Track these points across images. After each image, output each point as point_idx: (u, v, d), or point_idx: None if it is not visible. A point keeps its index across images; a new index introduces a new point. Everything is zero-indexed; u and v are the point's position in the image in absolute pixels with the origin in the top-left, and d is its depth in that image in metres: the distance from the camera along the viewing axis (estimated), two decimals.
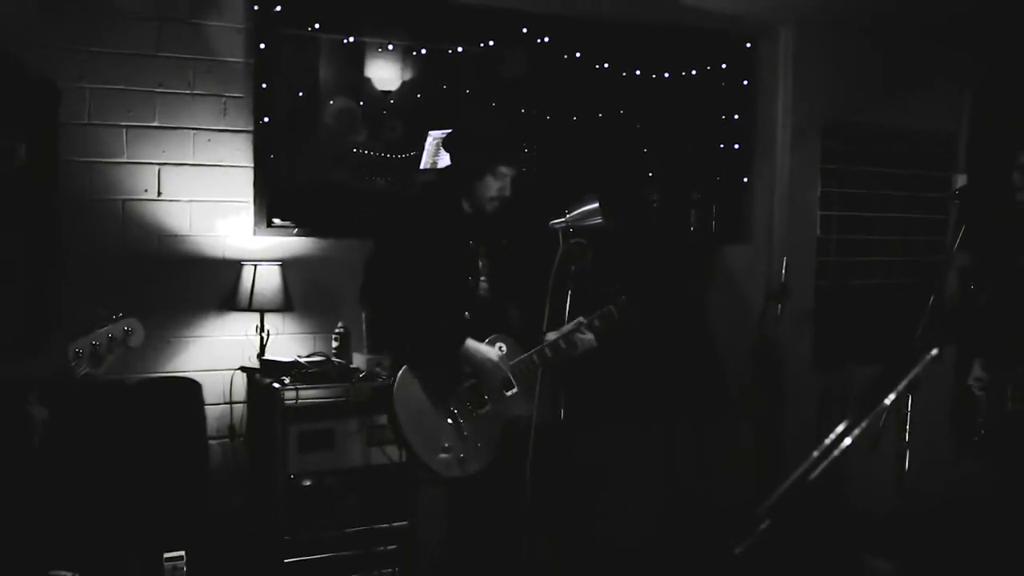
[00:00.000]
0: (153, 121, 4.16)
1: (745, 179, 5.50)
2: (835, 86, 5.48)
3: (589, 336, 3.24)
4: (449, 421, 3.18)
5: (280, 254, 4.35)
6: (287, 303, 4.21)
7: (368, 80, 4.62)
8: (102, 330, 2.46)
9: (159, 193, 4.18)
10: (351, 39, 4.54)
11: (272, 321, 4.28)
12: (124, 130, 4.11)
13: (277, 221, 4.40)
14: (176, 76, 4.19)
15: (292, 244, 4.42)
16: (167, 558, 3.71)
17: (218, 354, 4.26)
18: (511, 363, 3.23)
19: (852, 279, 5.77)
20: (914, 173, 5.88)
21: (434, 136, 4.38)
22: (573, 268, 3.19)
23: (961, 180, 5.67)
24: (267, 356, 4.16)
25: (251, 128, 4.32)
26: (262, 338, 4.21)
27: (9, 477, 2.63)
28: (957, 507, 3.99)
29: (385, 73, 4.64)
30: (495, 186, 3.19)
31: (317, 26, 4.45)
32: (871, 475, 3.70)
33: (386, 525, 3.91)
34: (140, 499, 3.76)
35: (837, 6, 5.09)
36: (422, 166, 4.44)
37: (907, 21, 5.33)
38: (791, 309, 5.15)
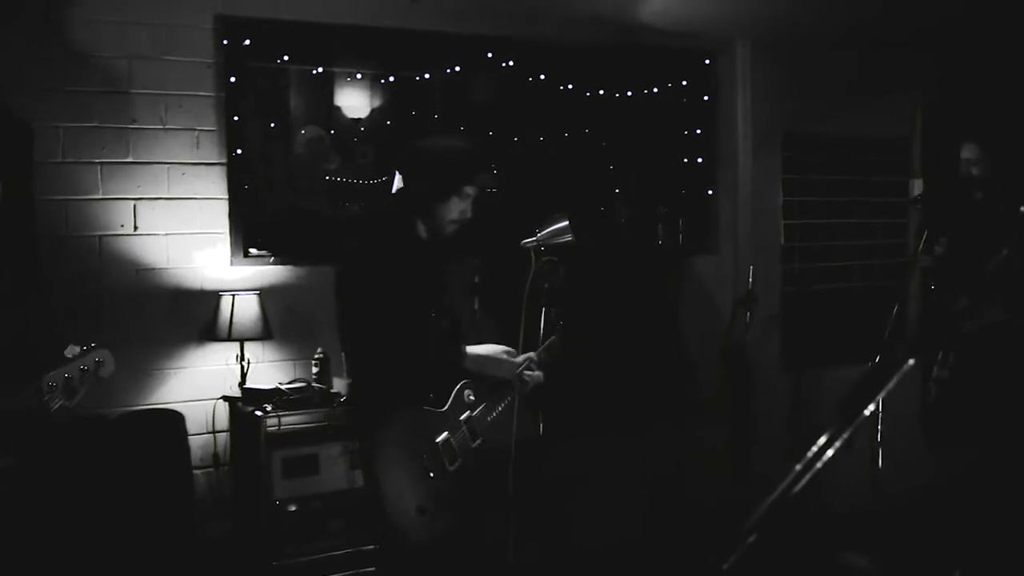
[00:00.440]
0: (127, 157, 4.20)
1: (710, 191, 5.60)
2: (793, 97, 5.62)
3: (538, 374, 3.18)
4: (428, 477, 2.95)
5: (257, 283, 4.40)
6: (266, 331, 4.26)
7: (338, 109, 4.68)
8: (74, 362, 2.47)
9: (135, 228, 4.22)
10: (320, 70, 4.60)
11: (252, 350, 4.31)
12: (99, 167, 4.16)
13: (253, 251, 4.45)
14: (148, 112, 4.23)
15: (269, 273, 4.47)
16: None
17: (200, 384, 4.30)
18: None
19: (816, 284, 5.91)
20: (872, 180, 6.03)
21: None
22: (547, 286, 3.20)
23: (919, 185, 5.83)
24: (248, 384, 4.21)
25: (224, 160, 4.37)
26: (243, 367, 4.25)
27: None
28: (930, 502, 4.09)
29: (355, 101, 4.70)
30: (458, 207, 3.04)
31: (286, 58, 4.52)
32: (845, 474, 3.80)
33: (373, 547, 3.91)
34: (125, 532, 3.76)
35: (791, 21, 5.22)
36: (394, 191, 4.48)
37: (860, 33, 5.48)
38: (759, 315, 5.27)
